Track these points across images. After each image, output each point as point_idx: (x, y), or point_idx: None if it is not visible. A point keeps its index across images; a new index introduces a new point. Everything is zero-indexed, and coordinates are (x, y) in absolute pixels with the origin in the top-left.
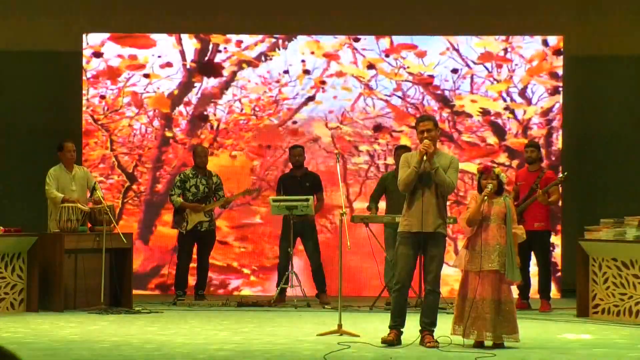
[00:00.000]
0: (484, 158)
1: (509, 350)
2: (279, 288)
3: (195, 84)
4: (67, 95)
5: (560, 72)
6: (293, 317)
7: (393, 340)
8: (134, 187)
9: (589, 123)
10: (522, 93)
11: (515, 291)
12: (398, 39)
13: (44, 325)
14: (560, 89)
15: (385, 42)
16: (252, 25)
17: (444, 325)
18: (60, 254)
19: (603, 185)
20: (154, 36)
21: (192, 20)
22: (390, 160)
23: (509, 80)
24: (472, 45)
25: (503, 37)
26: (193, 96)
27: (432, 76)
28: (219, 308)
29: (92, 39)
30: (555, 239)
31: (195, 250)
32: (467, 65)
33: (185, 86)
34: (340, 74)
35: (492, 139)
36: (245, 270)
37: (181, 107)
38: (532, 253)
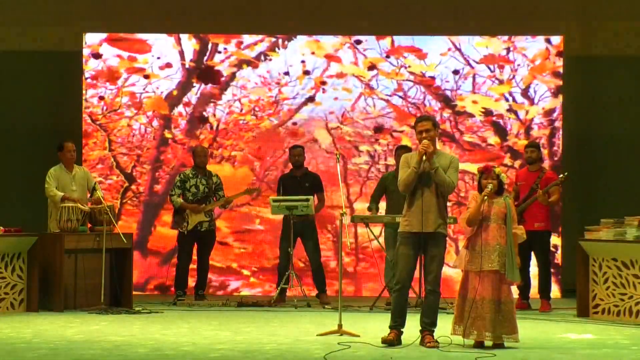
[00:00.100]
0: (490, 162)
1: (509, 350)
2: (279, 288)
3: (195, 84)
4: (67, 95)
5: (561, 72)
6: (293, 317)
7: (393, 340)
8: (133, 187)
9: (589, 123)
10: (525, 93)
11: (515, 291)
12: (399, 39)
13: (44, 325)
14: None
15: (386, 42)
16: (252, 25)
17: (444, 325)
18: (60, 254)
19: (603, 186)
20: (152, 37)
21: (191, 21)
22: (391, 160)
23: (511, 81)
24: (473, 44)
25: (505, 38)
26: (192, 96)
27: (433, 77)
28: (219, 308)
29: (90, 39)
30: (555, 239)
31: (195, 250)
32: (469, 64)
33: (185, 86)
34: (340, 75)
35: (495, 140)
36: (245, 272)
37: (180, 108)
38: (532, 253)
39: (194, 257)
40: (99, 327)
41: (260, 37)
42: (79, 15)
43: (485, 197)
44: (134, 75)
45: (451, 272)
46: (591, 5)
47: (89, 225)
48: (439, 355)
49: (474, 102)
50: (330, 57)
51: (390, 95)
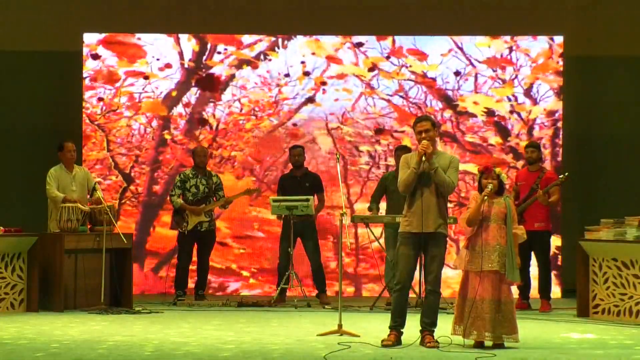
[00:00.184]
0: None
1: (509, 350)
2: (279, 288)
3: (194, 84)
4: (67, 95)
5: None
6: (293, 317)
7: (393, 343)
8: (132, 187)
9: (589, 123)
10: (527, 92)
11: (515, 291)
12: (400, 39)
13: (44, 325)
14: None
15: (387, 42)
16: (252, 26)
17: (444, 326)
18: (60, 254)
19: (603, 186)
20: (151, 37)
21: (191, 20)
22: (392, 160)
23: (513, 82)
24: (475, 44)
25: (507, 38)
26: (192, 96)
27: (433, 79)
28: (219, 308)
29: (87, 39)
30: (555, 239)
31: (195, 250)
32: (471, 63)
33: (184, 86)
34: (340, 76)
35: (496, 140)
36: (245, 273)
37: (180, 108)
38: (532, 253)
39: (194, 257)
40: (99, 327)
41: (260, 37)
42: (78, 15)
43: (486, 197)
44: (133, 74)
45: (451, 272)
46: (591, 5)
47: (89, 225)
48: (439, 355)
49: (475, 103)
50: (331, 59)
51: (391, 95)
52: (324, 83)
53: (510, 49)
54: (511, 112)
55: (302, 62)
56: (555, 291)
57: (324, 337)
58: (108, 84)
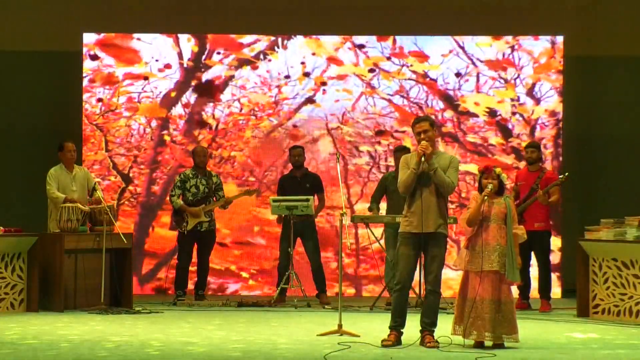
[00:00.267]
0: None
1: (509, 350)
2: (279, 288)
3: (193, 84)
4: (66, 95)
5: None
6: (293, 317)
7: (393, 343)
8: (131, 188)
9: (589, 123)
10: (530, 92)
11: (515, 291)
12: (401, 39)
13: (44, 326)
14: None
15: (388, 42)
16: (252, 25)
17: (445, 326)
18: (60, 254)
19: (603, 186)
20: (150, 37)
21: (191, 20)
22: (392, 161)
23: (515, 82)
24: (475, 43)
25: (508, 38)
26: (191, 96)
27: (434, 80)
28: (219, 308)
29: (87, 39)
30: (555, 239)
31: (195, 250)
32: (473, 63)
33: (183, 86)
34: (341, 77)
35: (497, 140)
36: (244, 274)
37: (179, 108)
38: (532, 253)
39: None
40: (99, 327)
41: (259, 37)
42: (78, 15)
43: (486, 197)
44: (131, 74)
45: (452, 273)
46: (591, 5)
47: (89, 225)
48: (439, 355)
49: (476, 103)
50: (331, 59)
51: (392, 95)
52: (324, 83)
53: (513, 48)
54: (513, 113)
55: (302, 63)
56: (555, 291)
57: (324, 337)
58: (107, 85)
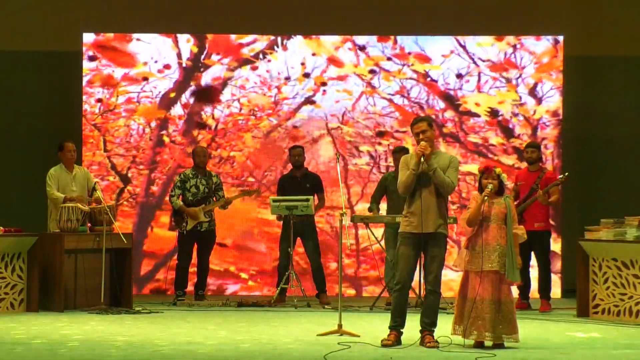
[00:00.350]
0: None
1: (509, 350)
2: (279, 288)
3: (192, 88)
4: (66, 95)
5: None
6: (293, 317)
7: (393, 343)
8: (129, 188)
9: (589, 123)
10: (532, 92)
11: (515, 291)
12: (402, 39)
13: (44, 325)
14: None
15: (389, 42)
16: (252, 25)
17: (444, 326)
18: (60, 254)
19: (603, 186)
20: (150, 37)
21: (190, 20)
22: (392, 161)
23: (516, 83)
24: (476, 43)
25: (509, 38)
26: (190, 97)
27: (435, 81)
28: (219, 308)
29: (87, 39)
30: (555, 239)
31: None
32: (474, 62)
33: (182, 86)
34: (341, 78)
35: (497, 140)
36: (243, 275)
37: (178, 108)
38: (532, 253)
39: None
40: (99, 327)
41: (258, 37)
42: (77, 15)
43: (486, 198)
44: (131, 75)
45: (452, 273)
46: (591, 5)
47: (89, 225)
48: (439, 355)
49: (477, 104)
50: (332, 60)
51: (392, 95)
52: (324, 83)
53: (515, 48)
54: (516, 114)
55: (302, 64)
56: (555, 291)
57: (324, 337)
58: (106, 87)
